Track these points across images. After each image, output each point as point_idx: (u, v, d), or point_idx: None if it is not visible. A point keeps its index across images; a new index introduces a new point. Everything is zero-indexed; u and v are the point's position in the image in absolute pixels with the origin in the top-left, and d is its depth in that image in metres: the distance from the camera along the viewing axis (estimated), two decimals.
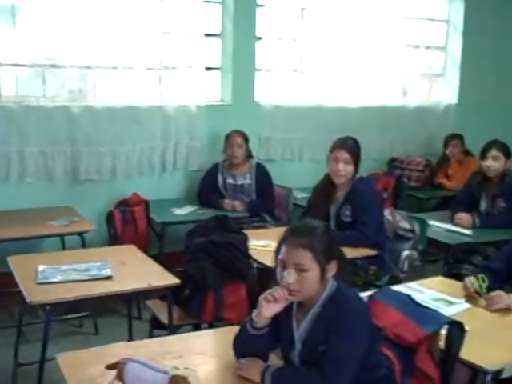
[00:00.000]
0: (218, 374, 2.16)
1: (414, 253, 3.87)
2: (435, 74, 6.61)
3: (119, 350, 2.26)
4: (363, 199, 3.78)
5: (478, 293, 2.86)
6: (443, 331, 2.29)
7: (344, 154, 3.77)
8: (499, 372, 2.71)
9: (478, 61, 6.46)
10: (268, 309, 2.07)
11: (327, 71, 5.77)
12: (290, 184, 5.09)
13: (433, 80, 6.63)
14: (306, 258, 2.03)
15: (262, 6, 5.38)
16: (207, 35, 5.19)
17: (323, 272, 2.05)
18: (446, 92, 6.58)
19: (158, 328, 3.37)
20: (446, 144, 5.98)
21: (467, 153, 5.98)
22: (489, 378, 2.30)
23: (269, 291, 2.07)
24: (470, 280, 2.88)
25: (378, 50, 6.00)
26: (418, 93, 6.45)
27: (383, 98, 6.14)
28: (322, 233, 2.10)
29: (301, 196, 5.03)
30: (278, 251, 2.09)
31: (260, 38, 5.42)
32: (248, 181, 4.83)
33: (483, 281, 2.86)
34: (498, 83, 6.64)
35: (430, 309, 2.42)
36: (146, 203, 4.50)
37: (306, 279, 2.03)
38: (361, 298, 2.20)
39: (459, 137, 5.97)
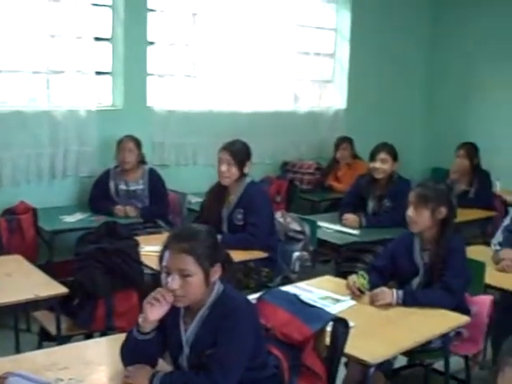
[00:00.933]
0: (106, 383, 2.12)
1: (305, 254, 3.98)
2: (325, 80, 6.82)
3: (1, 364, 2.17)
4: (254, 203, 3.85)
5: (360, 290, 2.97)
6: (328, 328, 2.38)
7: (226, 156, 3.83)
8: (389, 364, 2.86)
9: (365, 67, 6.73)
10: (153, 312, 2.06)
11: (220, 76, 5.81)
12: (184, 189, 5.09)
13: (323, 86, 6.84)
14: (189, 263, 2.04)
15: (153, 10, 5.34)
16: (97, 39, 5.09)
17: (207, 276, 2.07)
18: (335, 97, 6.80)
19: (47, 340, 3.26)
20: (337, 147, 6.17)
21: (356, 156, 6.20)
22: (372, 370, 2.41)
23: (152, 294, 2.07)
24: (352, 278, 3.00)
25: (269, 57, 6.11)
26: (309, 98, 6.63)
27: (275, 104, 6.26)
28: (204, 237, 2.11)
29: (195, 201, 5.03)
30: (161, 257, 2.09)
31: (152, 43, 5.38)
32: (141, 186, 4.78)
33: (364, 278, 2.98)
34: (383, 89, 6.95)
35: (316, 307, 2.49)
36: (34, 211, 4.34)
37: (189, 284, 2.04)
38: (247, 300, 2.23)
39: (349, 140, 6.19)
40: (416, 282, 3.02)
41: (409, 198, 3.06)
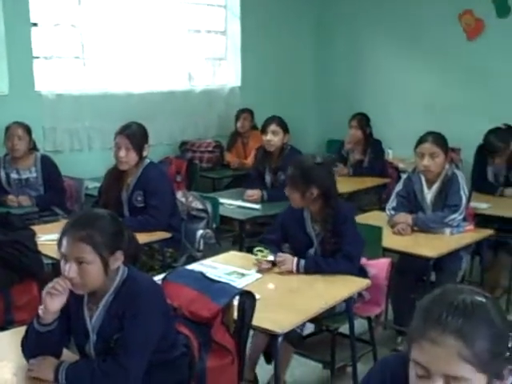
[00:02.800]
0: (8, 379, 2.03)
1: (209, 231, 3.98)
2: (218, 58, 6.80)
3: None
4: (153, 184, 3.79)
5: (268, 261, 3.00)
6: (235, 302, 2.39)
7: (124, 140, 3.74)
8: (296, 333, 2.92)
9: (257, 44, 6.75)
10: (53, 302, 1.99)
11: (111, 57, 5.65)
12: (80, 174, 4.93)
13: (216, 64, 6.81)
14: (86, 252, 1.97)
15: None
16: None
17: (106, 264, 2.01)
18: (229, 75, 6.80)
19: None
20: (237, 118, 6.19)
21: (255, 127, 6.23)
22: (280, 339, 2.45)
23: (50, 284, 1.99)
24: (256, 258, 3.01)
25: (160, 35, 6.01)
26: (204, 77, 6.59)
27: (170, 83, 6.18)
28: (104, 224, 2.04)
29: (93, 186, 4.89)
30: (59, 244, 2.01)
31: (35, 24, 5.14)
32: (34, 174, 4.58)
33: (261, 251, 3.01)
34: (276, 65, 7.01)
35: (222, 283, 2.50)
36: None
37: (87, 272, 1.98)
38: (153, 282, 2.20)
39: (249, 111, 6.22)
40: (312, 252, 3.08)
41: (285, 181, 3.09)
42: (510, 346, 1.28)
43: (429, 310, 1.29)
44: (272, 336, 2.48)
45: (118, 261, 2.06)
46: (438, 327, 1.25)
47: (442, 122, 5.64)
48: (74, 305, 2.07)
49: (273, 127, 4.64)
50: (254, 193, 4.50)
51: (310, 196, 2.99)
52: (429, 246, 3.43)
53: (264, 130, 4.68)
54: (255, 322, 2.38)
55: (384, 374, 1.46)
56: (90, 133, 5.51)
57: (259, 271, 2.98)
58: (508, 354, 1.27)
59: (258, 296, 2.49)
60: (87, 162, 5.38)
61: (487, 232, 3.75)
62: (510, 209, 4.23)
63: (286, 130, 4.68)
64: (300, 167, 3.02)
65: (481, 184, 4.65)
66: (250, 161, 5.68)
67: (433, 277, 3.61)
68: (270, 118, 4.75)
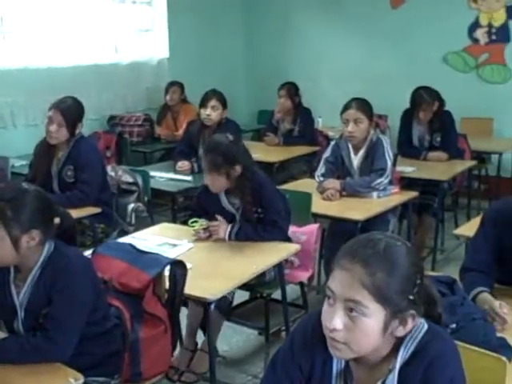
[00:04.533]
0: None
1: (140, 205, 3.96)
2: (145, 30, 6.67)
3: None
4: (83, 159, 3.73)
5: (206, 230, 3.02)
6: (166, 272, 2.40)
7: (57, 116, 3.66)
8: (226, 302, 2.96)
9: (185, 15, 6.66)
10: None
11: (33, 30, 5.46)
12: (5, 153, 4.77)
13: (143, 35, 6.68)
14: None
15: None
16: None
17: (16, 242, 1.96)
18: (157, 47, 6.68)
19: None
20: (167, 91, 6.11)
21: (186, 101, 6.19)
22: (212, 306, 2.49)
23: None
24: (194, 229, 3.01)
25: (84, 7, 5.83)
26: (130, 49, 6.45)
27: (96, 56, 6.03)
28: (23, 200, 1.98)
29: (20, 164, 4.77)
30: None
31: None
32: None
33: (196, 221, 3.02)
34: (205, 35, 6.94)
35: (153, 253, 2.50)
36: None
37: None
38: (80, 255, 2.19)
39: (179, 84, 6.15)
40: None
41: (203, 165, 3.06)
42: (415, 290, 1.36)
43: (348, 245, 1.41)
44: (205, 305, 2.51)
45: (33, 240, 1.99)
46: (349, 256, 1.37)
47: (369, 90, 5.75)
48: None
49: (213, 102, 4.63)
50: (185, 164, 4.49)
51: (234, 175, 2.99)
52: (357, 210, 3.52)
53: (203, 105, 4.65)
54: (187, 290, 2.40)
55: (306, 326, 1.51)
56: (13, 109, 5.32)
57: (191, 241, 2.99)
58: (411, 297, 1.35)
59: (189, 265, 2.52)
60: (12, 140, 5.20)
61: (412, 194, 3.88)
62: (434, 172, 4.38)
63: (224, 105, 4.70)
64: (219, 151, 2.98)
65: (406, 148, 4.80)
66: (181, 134, 5.63)
67: None
68: (211, 92, 4.72)
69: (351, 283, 1.34)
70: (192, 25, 6.77)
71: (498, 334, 1.93)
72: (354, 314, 1.34)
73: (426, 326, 1.42)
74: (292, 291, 3.49)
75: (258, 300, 3.47)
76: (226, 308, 2.95)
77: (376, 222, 3.61)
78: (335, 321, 1.35)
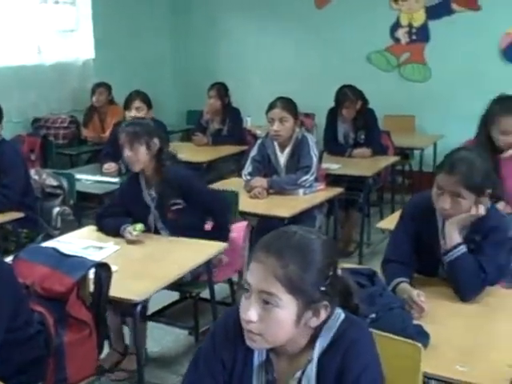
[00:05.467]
0: None
1: (66, 208, 3.89)
2: (70, 30, 6.53)
3: None
4: (5, 163, 3.65)
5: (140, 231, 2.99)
6: (91, 275, 2.37)
7: None
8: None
9: (110, 14, 6.56)
10: None
11: None
12: None
13: (68, 36, 6.54)
14: None
15: None
16: None
17: None
18: (82, 47, 6.55)
19: None
20: (93, 92, 6.01)
21: (112, 102, 6.10)
22: (139, 308, 2.47)
23: None
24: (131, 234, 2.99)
25: (6, 7, 5.66)
26: (54, 50, 6.31)
27: (18, 58, 5.86)
28: None
29: None
30: None
31: None
32: None
33: (135, 228, 3.00)
34: (131, 35, 6.86)
35: (77, 256, 2.46)
36: None
37: None
38: (1, 261, 2.13)
39: (105, 85, 6.06)
40: (151, 219, 3.11)
41: (120, 140, 3.08)
42: (327, 282, 1.40)
43: (264, 238, 1.44)
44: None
45: None
46: (264, 249, 1.40)
47: (296, 89, 5.82)
48: None
49: (137, 103, 4.62)
50: (112, 166, 4.44)
51: (153, 147, 3.02)
52: (283, 207, 3.56)
53: (128, 106, 4.62)
54: (113, 292, 2.38)
55: (227, 321, 1.53)
56: None
57: (116, 243, 2.96)
58: (324, 288, 1.39)
59: (115, 267, 2.50)
60: None
61: (337, 190, 3.96)
62: (359, 168, 4.49)
63: (149, 105, 4.69)
64: (138, 123, 3.12)
65: (332, 146, 4.90)
66: (108, 135, 5.54)
67: None
68: (134, 94, 4.70)
69: (265, 275, 1.37)
70: (118, 25, 6.68)
71: (416, 322, 2.00)
72: (268, 305, 1.37)
73: (342, 316, 1.46)
74: (221, 289, 3.51)
75: (188, 300, 3.47)
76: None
77: (302, 218, 3.67)
78: (250, 312, 1.37)
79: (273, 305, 1.37)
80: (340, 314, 1.46)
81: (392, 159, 4.90)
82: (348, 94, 4.80)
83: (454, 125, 5.76)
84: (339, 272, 1.45)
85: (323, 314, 1.41)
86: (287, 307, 1.37)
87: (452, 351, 1.90)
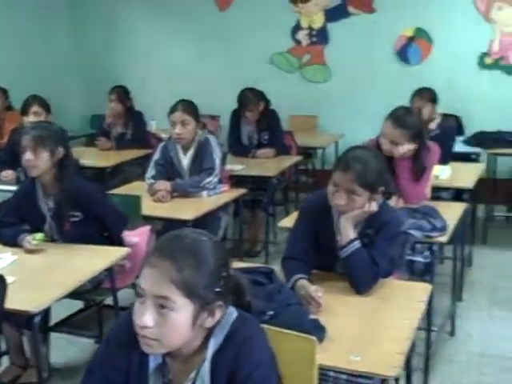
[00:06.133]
0: None
1: None
2: None
3: None
4: None
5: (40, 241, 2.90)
6: None
7: None
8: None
9: (5, 16, 6.33)
10: None
11: None
12: None
13: None
14: None
15: None
16: None
17: None
18: None
19: None
20: None
21: (10, 108, 5.87)
22: (36, 320, 2.39)
23: None
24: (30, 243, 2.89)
25: None
26: None
27: None
28: None
29: None
30: None
31: None
32: None
33: (34, 237, 2.91)
34: (30, 38, 6.65)
35: None
36: None
37: None
38: None
39: (2, 90, 5.82)
40: (47, 229, 3.03)
41: (22, 142, 2.94)
42: (221, 283, 1.42)
43: (157, 243, 1.44)
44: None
45: None
46: (157, 253, 1.39)
47: (201, 91, 5.87)
48: None
49: (35, 108, 4.50)
50: (9, 173, 4.30)
51: (57, 155, 2.92)
52: (187, 210, 3.56)
53: (25, 112, 4.48)
54: (10, 305, 2.30)
55: (121, 326, 1.53)
56: None
57: (14, 254, 2.87)
58: (218, 289, 1.41)
59: (12, 278, 2.43)
60: None
61: (241, 191, 4.00)
62: (263, 169, 4.56)
63: (48, 110, 4.59)
64: (45, 127, 2.98)
65: (236, 147, 4.95)
66: (6, 142, 5.36)
67: None
68: (31, 98, 4.58)
69: (160, 280, 1.37)
70: (14, 26, 6.46)
71: (313, 316, 2.06)
72: (164, 310, 1.37)
73: (235, 315, 1.48)
74: (127, 295, 3.46)
75: (93, 308, 3.41)
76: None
77: (207, 220, 3.69)
78: (146, 318, 1.37)
79: (168, 309, 1.36)
80: (233, 313, 1.48)
81: (295, 159, 5.00)
82: (250, 97, 4.86)
83: (353, 124, 5.98)
84: (231, 271, 1.48)
85: (218, 314, 1.43)
86: (183, 310, 1.38)
87: (347, 342, 1.96)
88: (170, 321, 1.37)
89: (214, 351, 1.45)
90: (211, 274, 1.41)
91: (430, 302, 2.98)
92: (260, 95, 4.93)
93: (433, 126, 4.41)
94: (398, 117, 3.17)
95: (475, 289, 4.25)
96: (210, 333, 1.46)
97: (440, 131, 4.38)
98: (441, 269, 4.38)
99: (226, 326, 1.46)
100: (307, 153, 5.65)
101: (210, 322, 1.43)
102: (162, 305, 1.37)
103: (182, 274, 1.36)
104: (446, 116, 5.53)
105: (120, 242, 3.08)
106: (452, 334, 3.63)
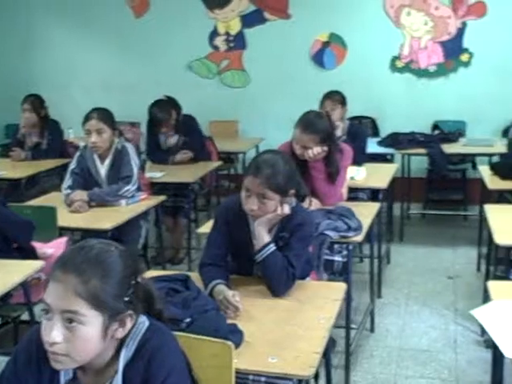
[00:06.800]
0: None
1: None
2: None
3: None
4: None
5: None
6: None
7: None
8: None
9: None
10: None
11: None
12: None
13: None
14: None
15: None
16: None
17: None
18: None
19: None
20: None
21: None
22: None
23: None
24: None
25: None
26: None
27: None
28: None
29: None
30: None
31: None
32: None
33: None
34: None
35: None
36: None
37: None
38: None
39: None
40: None
41: None
42: (130, 291, 1.41)
43: (61, 256, 1.43)
44: None
45: None
46: (61, 267, 1.37)
47: (120, 99, 5.82)
48: None
49: None
50: None
51: None
52: (106, 219, 3.50)
53: None
54: None
55: (30, 341, 1.49)
56: None
57: None
58: (127, 298, 1.40)
59: None
60: None
61: (160, 198, 3.97)
62: (183, 175, 4.54)
63: None
64: None
65: (154, 154, 4.90)
66: None
67: None
68: None
69: (66, 294, 1.34)
70: None
71: (231, 321, 2.07)
72: (72, 324, 1.34)
73: (146, 324, 1.48)
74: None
75: (10, 324, 3.30)
76: None
77: (128, 229, 3.67)
78: (54, 334, 1.34)
79: (77, 322, 1.34)
80: (144, 322, 1.48)
81: (216, 164, 5.01)
82: (158, 115, 4.74)
83: (273, 127, 6.06)
84: (140, 279, 1.47)
85: (129, 324, 1.42)
86: (92, 323, 1.36)
87: (265, 345, 1.98)
88: (79, 335, 1.35)
89: (126, 362, 1.43)
90: (119, 283, 1.40)
91: (348, 301, 3.08)
92: (170, 104, 4.84)
93: (339, 132, 4.46)
94: (306, 122, 3.25)
95: (394, 285, 4.38)
96: (121, 344, 1.45)
97: (347, 136, 4.46)
98: (361, 267, 4.52)
99: (137, 336, 1.45)
100: (229, 158, 5.68)
101: (121, 333, 1.41)
102: (71, 319, 1.34)
103: (88, 286, 1.35)
104: (361, 118, 5.73)
105: (32, 252, 2.99)
106: (372, 330, 3.74)
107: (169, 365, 1.42)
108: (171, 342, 1.48)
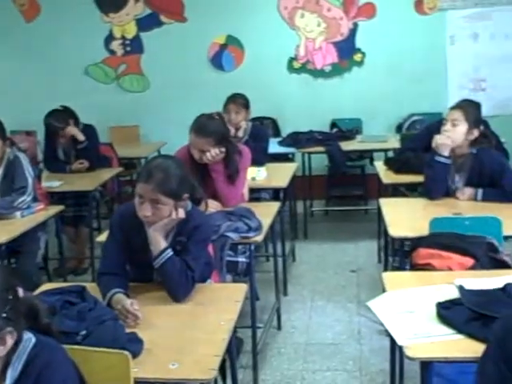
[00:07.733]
0: None
1: None
2: None
3: None
4: None
5: None
6: None
7: None
8: None
9: None
10: None
11: None
12: None
13: None
14: None
15: None
16: None
17: None
18: None
19: None
20: None
21: None
22: None
23: None
24: None
25: None
26: None
27: None
28: None
29: None
30: None
31: None
32: None
33: None
34: None
35: None
36: None
37: None
38: None
39: None
40: None
41: None
42: (7, 307, 1.36)
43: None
44: None
45: None
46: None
47: (14, 106, 5.61)
48: None
49: None
50: None
51: None
52: (0, 233, 3.36)
53: None
54: None
55: None
56: None
57: None
58: (5, 315, 1.35)
59: None
60: None
61: (58, 208, 3.85)
62: (82, 183, 4.43)
63: None
64: None
65: (51, 163, 4.75)
66: None
67: None
68: None
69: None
70: None
71: (130, 330, 2.03)
72: None
73: (33, 341, 1.43)
74: None
75: None
76: None
77: (25, 241, 3.55)
78: None
79: None
80: (31, 339, 1.43)
81: (116, 170, 4.92)
82: (54, 125, 4.62)
83: (174, 131, 5.97)
84: (20, 294, 1.42)
85: (10, 341, 1.36)
86: None
87: (166, 352, 1.96)
88: None
89: (13, 381, 1.38)
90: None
91: (252, 300, 3.11)
92: (66, 113, 4.70)
93: (240, 133, 4.50)
94: (199, 125, 3.26)
95: (299, 282, 4.46)
96: (7, 363, 1.39)
97: (250, 136, 4.50)
98: (267, 266, 4.57)
99: (23, 355, 1.40)
100: (130, 163, 5.59)
101: (1, 351, 1.36)
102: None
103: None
104: (262, 119, 5.79)
105: None
106: (279, 328, 3.78)
107: (58, 381, 1.38)
108: (60, 357, 1.44)
